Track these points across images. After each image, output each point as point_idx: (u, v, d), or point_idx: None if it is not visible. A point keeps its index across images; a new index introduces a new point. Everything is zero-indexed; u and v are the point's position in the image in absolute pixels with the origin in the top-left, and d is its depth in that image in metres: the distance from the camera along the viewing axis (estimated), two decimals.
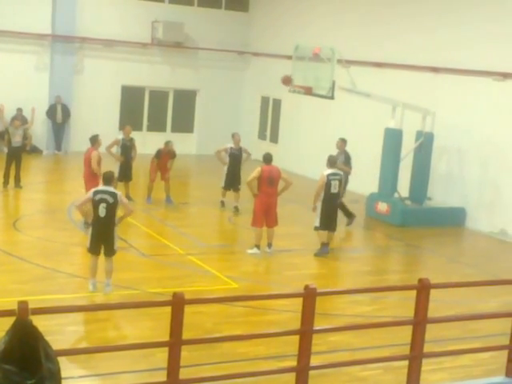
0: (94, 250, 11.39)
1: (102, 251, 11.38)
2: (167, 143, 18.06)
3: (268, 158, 14.58)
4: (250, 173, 14.56)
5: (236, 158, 17.91)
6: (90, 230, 11.51)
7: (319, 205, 14.40)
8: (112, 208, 11.22)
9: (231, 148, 17.91)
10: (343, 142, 17.14)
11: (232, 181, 17.83)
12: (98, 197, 11.21)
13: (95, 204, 11.20)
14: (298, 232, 16.36)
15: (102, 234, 11.30)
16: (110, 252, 11.37)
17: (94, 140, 15.52)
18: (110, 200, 11.18)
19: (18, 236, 14.48)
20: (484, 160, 17.99)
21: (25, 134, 18.73)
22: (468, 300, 12.10)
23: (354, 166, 17.25)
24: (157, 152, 18.01)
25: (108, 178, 11.45)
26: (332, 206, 14.50)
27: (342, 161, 16.56)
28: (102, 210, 11.16)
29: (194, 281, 12.33)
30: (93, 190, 11.51)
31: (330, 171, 14.44)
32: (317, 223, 14.51)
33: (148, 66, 25.59)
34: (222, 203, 18.02)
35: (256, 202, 14.46)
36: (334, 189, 14.37)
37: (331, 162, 14.62)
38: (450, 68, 18.61)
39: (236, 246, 14.92)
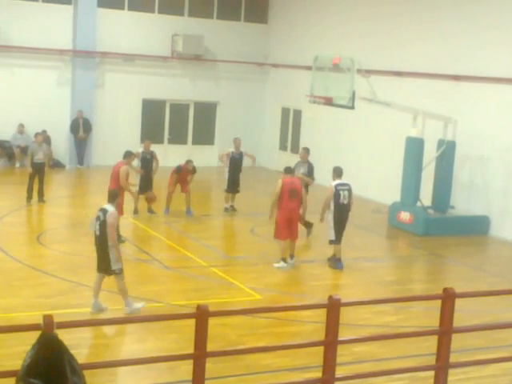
0: (97, 267, 11.07)
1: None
2: (188, 162, 18.21)
3: (289, 169, 14.51)
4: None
5: (236, 162, 18.75)
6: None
7: (330, 217, 14.20)
8: (102, 226, 10.79)
9: (232, 152, 18.77)
10: (306, 151, 16.82)
11: (233, 184, 18.72)
12: (97, 214, 11.02)
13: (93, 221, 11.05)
14: (319, 242, 16.31)
15: (98, 253, 10.98)
16: (107, 271, 10.93)
17: (129, 154, 15.62)
18: (102, 217, 10.84)
19: (42, 250, 14.56)
20: (507, 167, 17.85)
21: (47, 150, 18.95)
22: (493, 309, 11.99)
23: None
24: (177, 167, 18.14)
25: (111, 196, 11.23)
26: (343, 217, 14.30)
27: (304, 171, 16.30)
28: (96, 228, 10.90)
29: (218, 293, 12.33)
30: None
31: (337, 181, 14.28)
32: (332, 236, 14.30)
33: (168, 79, 25.73)
34: (226, 209, 18.88)
35: (278, 215, 14.26)
36: (344, 199, 14.15)
37: (337, 172, 14.42)
38: (471, 75, 18.52)
39: (259, 258, 14.88)
